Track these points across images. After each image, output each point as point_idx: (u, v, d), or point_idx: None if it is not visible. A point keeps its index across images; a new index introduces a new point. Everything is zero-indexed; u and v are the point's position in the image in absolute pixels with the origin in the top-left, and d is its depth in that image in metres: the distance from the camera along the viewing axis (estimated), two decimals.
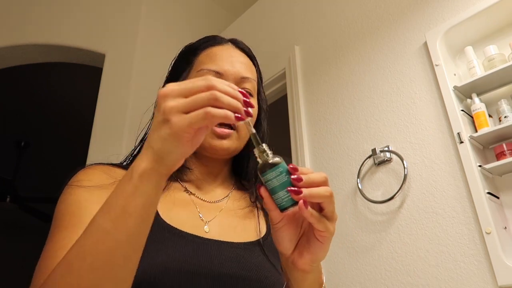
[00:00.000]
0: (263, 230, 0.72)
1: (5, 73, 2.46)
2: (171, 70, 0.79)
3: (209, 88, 0.44)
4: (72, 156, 3.32)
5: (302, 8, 2.14)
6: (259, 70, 0.81)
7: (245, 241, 0.67)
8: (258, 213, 0.75)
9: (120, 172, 0.68)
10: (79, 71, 2.92)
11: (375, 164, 1.55)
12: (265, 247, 0.68)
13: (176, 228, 0.62)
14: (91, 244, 0.45)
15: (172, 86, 0.45)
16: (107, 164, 0.69)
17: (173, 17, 2.62)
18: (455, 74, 1.44)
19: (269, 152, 0.50)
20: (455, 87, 1.36)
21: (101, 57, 2.25)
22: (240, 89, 0.48)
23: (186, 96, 0.44)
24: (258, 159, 0.49)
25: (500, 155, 1.25)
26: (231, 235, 0.67)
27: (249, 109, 0.48)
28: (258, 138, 0.50)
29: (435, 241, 1.29)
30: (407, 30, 1.61)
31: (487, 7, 1.34)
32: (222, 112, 0.44)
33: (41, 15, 2.32)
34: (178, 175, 0.73)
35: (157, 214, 0.62)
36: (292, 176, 0.48)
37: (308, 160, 1.80)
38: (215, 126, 0.67)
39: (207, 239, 0.63)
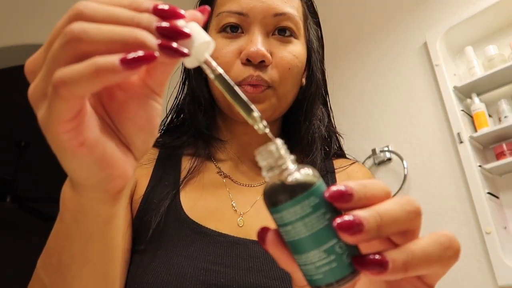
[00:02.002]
0: None
1: (5, 73, 2.46)
2: None
3: (68, 21, 0.23)
4: None
5: None
6: (311, 2, 0.63)
7: None
8: None
9: (151, 151, 0.58)
10: None
11: (375, 164, 1.54)
12: None
13: (199, 225, 0.50)
14: None
15: (38, 51, 0.25)
16: None
17: None
18: (455, 74, 1.44)
19: (287, 158, 0.24)
20: (455, 87, 1.36)
21: None
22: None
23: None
24: (264, 172, 0.25)
25: (500, 155, 1.25)
26: None
27: (188, 33, 0.24)
28: (257, 113, 0.25)
29: None
30: (407, 30, 1.61)
31: (487, 7, 1.34)
32: (86, 67, 0.22)
33: (41, 15, 2.32)
34: (211, 152, 0.60)
35: (180, 207, 0.52)
36: (338, 221, 0.23)
37: None
38: (247, 85, 0.51)
39: (237, 238, 0.49)
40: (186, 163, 0.58)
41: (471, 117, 1.35)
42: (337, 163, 0.63)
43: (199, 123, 0.58)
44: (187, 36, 0.23)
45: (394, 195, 1.41)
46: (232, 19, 0.53)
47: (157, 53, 0.22)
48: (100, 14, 0.23)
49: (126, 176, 0.27)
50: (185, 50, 0.23)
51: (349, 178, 0.60)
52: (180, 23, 0.23)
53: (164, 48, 0.23)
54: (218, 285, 0.45)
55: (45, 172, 4.32)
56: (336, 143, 0.66)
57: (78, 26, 0.22)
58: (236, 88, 0.26)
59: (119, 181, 0.27)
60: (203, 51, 0.25)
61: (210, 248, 0.48)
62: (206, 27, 0.57)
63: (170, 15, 0.23)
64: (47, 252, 0.33)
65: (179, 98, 0.64)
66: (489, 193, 1.22)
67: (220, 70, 0.26)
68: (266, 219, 0.47)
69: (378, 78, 1.65)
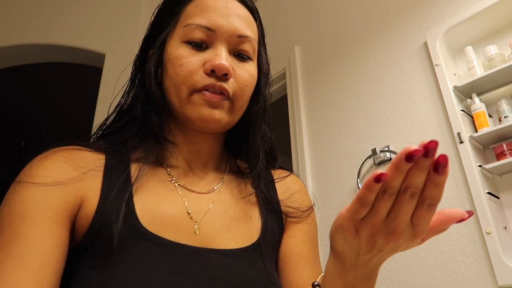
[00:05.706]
0: (258, 228, 0.60)
1: (5, 73, 2.46)
2: (153, 20, 0.65)
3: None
4: None
5: (302, 8, 2.14)
6: (261, 25, 0.67)
7: (239, 246, 0.56)
8: (260, 205, 0.62)
9: (89, 157, 0.56)
10: (79, 71, 2.92)
11: (375, 164, 1.54)
12: (262, 252, 0.57)
13: (158, 236, 0.51)
14: None
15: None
16: (73, 146, 0.56)
17: None
18: (455, 74, 1.44)
19: None
20: (455, 87, 1.36)
21: (101, 57, 2.25)
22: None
23: None
24: None
25: (500, 155, 1.24)
26: (224, 237, 0.56)
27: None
28: None
29: (435, 241, 1.29)
30: (407, 30, 1.61)
31: (487, 7, 1.34)
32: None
33: (41, 15, 2.32)
34: (163, 156, 0.61)
35: (137, 219, 0.51)
36: None
37: (308, 160, 1.80)
38: (206, 90, 0.55)
39: (195, 248, 0.53)
40: (135, 170, 0.57)
41: (471, 117, 1.35)
42: (275, 173, 0.71)
43: (152, 122, 0.59)
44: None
45: None
46: (200, 33, 0.57)
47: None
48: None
49: None
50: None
51: (287, 188, 0.68)
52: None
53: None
54: None
55: None
56: (277, 158, 0.74)
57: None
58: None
59: None
60: None
61: (170, 260, 0.50)
62: (167, 32, 0.60)
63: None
64: None
65: (125, 98, 0.65)
66: (489, 193, 1.22)
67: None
68: (219, 228, 0.57)
69: (378, 78, 1.65)
